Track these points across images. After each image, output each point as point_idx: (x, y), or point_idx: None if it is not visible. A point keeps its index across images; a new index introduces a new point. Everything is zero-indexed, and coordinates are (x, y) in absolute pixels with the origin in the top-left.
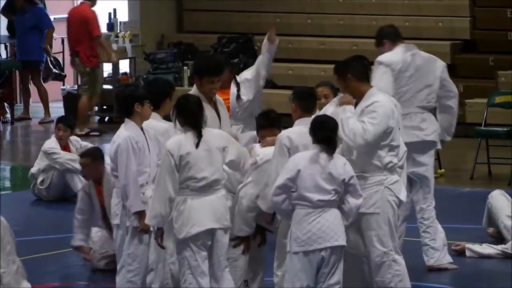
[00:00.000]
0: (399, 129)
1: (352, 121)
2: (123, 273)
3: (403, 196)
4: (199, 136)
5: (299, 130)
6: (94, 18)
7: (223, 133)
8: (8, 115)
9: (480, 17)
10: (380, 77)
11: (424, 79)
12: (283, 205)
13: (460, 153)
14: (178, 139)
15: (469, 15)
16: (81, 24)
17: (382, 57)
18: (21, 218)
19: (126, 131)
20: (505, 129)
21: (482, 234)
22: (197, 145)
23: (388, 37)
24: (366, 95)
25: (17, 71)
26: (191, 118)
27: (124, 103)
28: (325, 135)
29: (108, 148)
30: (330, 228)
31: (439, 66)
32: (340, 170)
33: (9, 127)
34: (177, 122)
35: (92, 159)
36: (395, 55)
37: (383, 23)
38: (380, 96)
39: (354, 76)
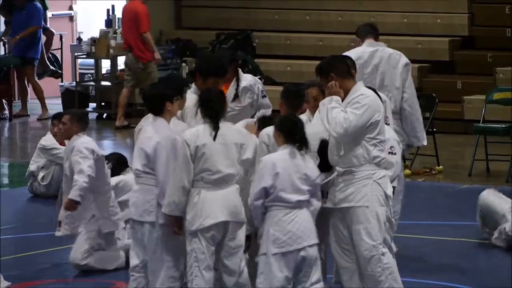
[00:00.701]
0: (388, 124)
1: (337, 110)
2: (164, 270)
3: (390, 191)
4: (215, 128)
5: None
6: (144, 14)
7: (243, 130)
8: (6, 112)
9: (478, 13)
10: None
11: (384, 78)
12: (262, 208)
13: (458, 150)
14: (196, 130)
15: (467, 12)
16: (132, 19)
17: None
18: (18, 215)
19: (163, 128)
20: (504, 126)
21: (480, 230)
22: (214, 137)
23: (359, 34)
24: (352, 90)
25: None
26: (211, 111)
27: (155, 101)
28: (302, 135)
29: (106, 145)
30: (307, 227)
31: (401, 64)
32: (314, 170)
33: (7, 124)
34: (198, 114)
35: (71, 119)
36: (355, 52)
37: (382, 20)
38: (365, 89)
39: (337, 74)
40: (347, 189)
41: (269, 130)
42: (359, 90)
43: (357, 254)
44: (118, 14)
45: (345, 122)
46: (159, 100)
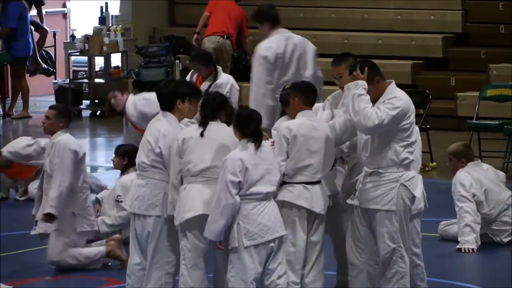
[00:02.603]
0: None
1: (365, 100)
2: (161, 265)
3: (418, 192)
4: (204, 125)
5: (299, 121)
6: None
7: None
8: (0, 109)
9: (472, 10)
10: (256, 67)
11: (299, 64)
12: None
13: None
14: (188, 128)
15: (461, 8)
16: (238, 20)
17: (261, 48)
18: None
19: (175, 125)
20: (497, 122)
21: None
22: (201, 133)
23: (267, 19)
24: (386, 91)
25: (8, 66)
26: (205, 111)
27: (167, 98)
28: (255, 128)
29: (99, 142)
30: (276, 218)
31: (311, 49)
32: (275, 160)
33: (1, 121)
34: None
35: (57, 114)
36: (276, 43)
37: (375, 17)
38: (398, 91)
39: (380, 76)
40: (374, 191)
41: (289, 123)
42: (393, 91)
43: (378, 253)
44: (112, 11)
45: (377, 118)
46: (171, 97)
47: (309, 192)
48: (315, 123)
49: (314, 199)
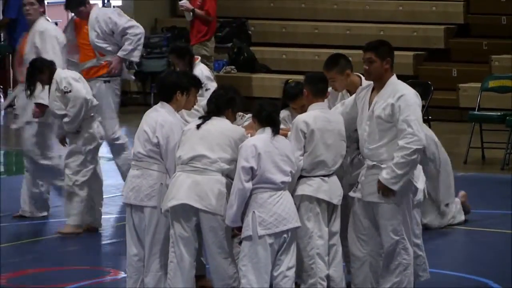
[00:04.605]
0: None
1: (399, 166)
2: (159, 256)
3: (420, 184)
4: (204, 119)
5: (314, 114)
6: None
7: (239, 131)
8: (2, 100)
9: (474, 1)
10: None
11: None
12: (249, 193)
13: (454, 138)
14: (193, 122)
15: (462, 0)
16: None
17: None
18: (15, 203)
19: (173, 115)
20: (499, 114)
21: (475, 218)
22: (198, 126)
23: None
24: (388, 82)
25: (10, 56)
26: (209, 106)
27: (167, 89)
28: (269, 115)
29: None
30: (291, 209)
31: None
32: (292, 151)
33: (2, 112)
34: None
35: None
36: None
37: (377, 8)
38: (405, 88)
39: (390, 62)
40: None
41: (306, 117)
42: (399, 86)
43: (382, 245)
44: (114, 2)
45: (420, 138)
46: (171, 88)
47: (327, 184)
48: (329, 115)
49: (332, 190)
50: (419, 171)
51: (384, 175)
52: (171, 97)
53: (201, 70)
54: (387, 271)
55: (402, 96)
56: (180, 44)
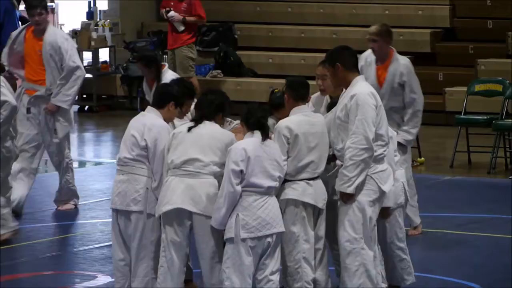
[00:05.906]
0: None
1: (349, 168)
2: (146, 261)
3: (386, 186)
4: (195, 122)
5: (297, 119)
6: None
7: (229, 135)
8: None
9: (460, 5)
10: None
11: None
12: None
13: (440, 142)
14: (182, 125)
15: (449, 3)
16: None
17: None
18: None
19: (161, 120)
20: (485, 117)
21: (461, 222)
22: (189, 129)
23: None
24: (352, 83)
25: None
26: (201, 110)
27: (163, 97)
28: (258, 120)
29: (88, 137)
30: (276, 214)
31: None
32: (281, 156)
33: None
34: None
35: None
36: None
37: (363, 12)
38: (361, 84)
39: (343, 65)
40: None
41: (288, 122)
42: (356, 85)
43: (339, 244)
44: (100, 6)
45: (364, 138)
46: (166, 97)
47: (312, 188)
48: (311, 118)
49: (317, 194)
50: (387, 175)
51: (337, 181)
52: (164, 106)
53: (171, 77)
54: (348, 274)
55: (354, 96)
56: (147, 52)
